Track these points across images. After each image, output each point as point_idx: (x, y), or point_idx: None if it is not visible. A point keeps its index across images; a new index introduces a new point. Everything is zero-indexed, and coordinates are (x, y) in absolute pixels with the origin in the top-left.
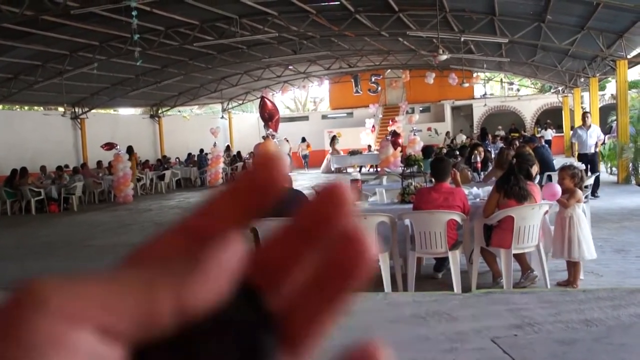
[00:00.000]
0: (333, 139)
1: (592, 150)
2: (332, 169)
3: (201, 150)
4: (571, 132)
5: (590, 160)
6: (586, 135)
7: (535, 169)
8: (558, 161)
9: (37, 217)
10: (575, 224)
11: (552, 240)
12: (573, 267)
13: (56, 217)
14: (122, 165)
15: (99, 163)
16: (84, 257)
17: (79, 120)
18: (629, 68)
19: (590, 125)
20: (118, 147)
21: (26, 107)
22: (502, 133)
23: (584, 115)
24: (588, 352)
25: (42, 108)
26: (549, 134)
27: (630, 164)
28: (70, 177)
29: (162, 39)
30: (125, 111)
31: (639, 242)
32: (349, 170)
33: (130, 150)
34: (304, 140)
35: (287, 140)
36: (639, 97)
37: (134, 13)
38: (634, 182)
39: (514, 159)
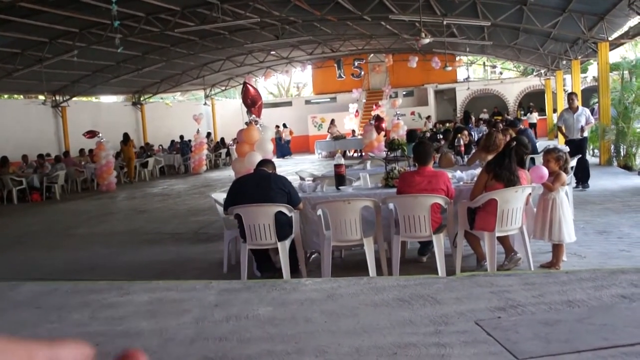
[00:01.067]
0: (332, 122)
1: (580, 136)
2: (317, 155)
3: (181, 137)
4: (556, 115)
5: (578, 147)
6: (573, 119)
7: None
8: (541, 144)
9: (19, 207)
10: (557, 207)
11: (533, 222)
12: (556, 249)
13: (39, 206)
14: (105, 153)
15: (82, 151)
16: (68, 246)
17: (60, 108)
18: (610, 50)
19: (577, 108)
20: (100, 134)
21: (5, 96)
22: (487, 116)
23: (570, 97)
24: (570, 333)
25: (22, 96)
26: (534, 117)
27: (612, 146)
28: (52, 165)
29: (143, 25)
30: (107, 99)
31: (621, 223)
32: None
33: (126, 137)
34: (285, 126)
35: (286, 126)
36: (620, 79)
37: None
38: (615, 164)
39: (513, 143)
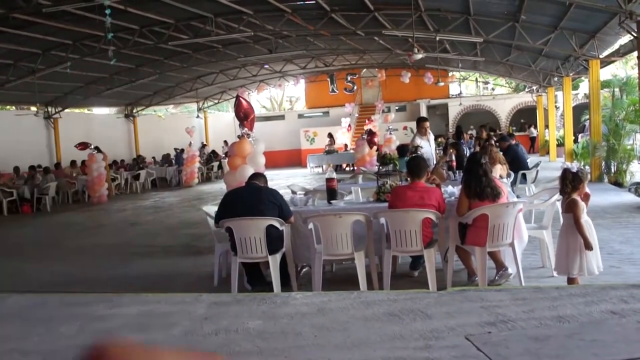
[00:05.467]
0: (330, 136)
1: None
2: (309, 169)
3: (182, 150)
4: (548, 131)
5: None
6: (429, 146)
7: (505, 169)
8: (533, 160)
9: (9, 218)
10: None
11: (560, 257)
12: (573, 282)
13: (29, 218)
14: (96, 165)
15: (73, 163)
16: (57, 259)
17: (52, 119)
18: (601, 67)
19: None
20: (92, 146)
21: None
22: (474, 132)
23: (423, 123)
24: (561, 348)
25: (14, 108)
26: (534, 131)
27: (603, 163)
28: (42, 177)
29: (137, 37)
30: (100, 111)
31: (611, 239)
32: (328, 170)
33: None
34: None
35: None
36: (611, 97)
37: (108, 12)
38: (606, 180)
39: (481, 159)
